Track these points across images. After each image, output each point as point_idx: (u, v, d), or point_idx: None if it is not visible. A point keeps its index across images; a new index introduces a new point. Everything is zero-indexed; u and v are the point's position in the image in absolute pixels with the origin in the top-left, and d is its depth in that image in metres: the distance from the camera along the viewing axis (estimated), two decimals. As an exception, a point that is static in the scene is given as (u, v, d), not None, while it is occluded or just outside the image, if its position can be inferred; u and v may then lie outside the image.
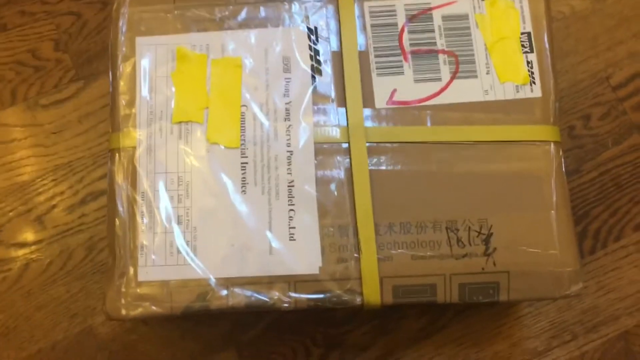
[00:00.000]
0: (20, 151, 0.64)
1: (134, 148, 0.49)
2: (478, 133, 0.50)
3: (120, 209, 0.49)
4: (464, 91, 0.51)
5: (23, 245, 0.62)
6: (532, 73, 0.51)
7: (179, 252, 0.48)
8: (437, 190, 0.49)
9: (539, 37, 0.52)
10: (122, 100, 0.50)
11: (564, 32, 0.66)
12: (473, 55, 0.51)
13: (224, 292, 0.47)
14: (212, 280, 0.47)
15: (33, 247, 0.62)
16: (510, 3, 0.52)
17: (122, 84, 0.51)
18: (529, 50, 0.51)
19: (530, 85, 0.51)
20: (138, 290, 0.47)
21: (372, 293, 0.48)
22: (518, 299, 0.48)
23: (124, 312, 0.47)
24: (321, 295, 0.48)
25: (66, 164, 0.63)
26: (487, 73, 0.51)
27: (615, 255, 0.61)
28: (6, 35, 0.66)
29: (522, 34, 0.52)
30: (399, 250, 0.48)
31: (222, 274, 0.48)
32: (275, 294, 0.48)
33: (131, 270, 0.48)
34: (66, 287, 0.61)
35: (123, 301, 0.47)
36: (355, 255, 0.48)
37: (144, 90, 0.50)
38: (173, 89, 0.50)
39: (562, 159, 0.50)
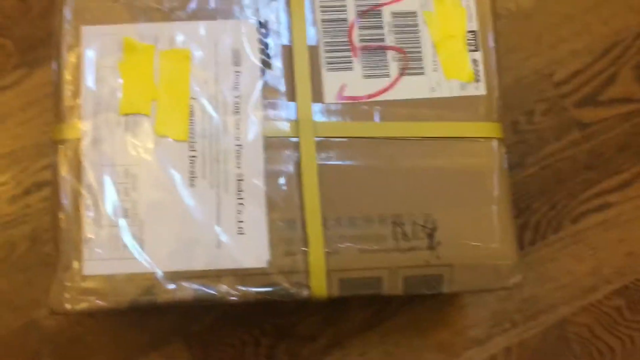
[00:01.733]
0: (-41, 139, 0.62)
1: (79, 140, 0.49)
2: (424, 129, 0.51)
3: (65, 202, 0.48)
4: (411, 88, 0.52)
5: (-37, 236, 0.60)
6: (477, 71, 0.52)
7: (125, 246, 0.47)
8: (384, 185, 0.50)
9: (484, 36, 0.53)
10: (67, 91, 0.49)
11: (509, 28, 0.68)
12: (420, 52, 0.52)
13: (172, 286, 0.47)
14: (160, 274, 0.47)
15: (-26, 238, 0.60)
16: (457, 1, 0.53)
17: (67, 74, 0.49)
18: (474, 49, 0.53)
19: (475, 82, 0.52)
20: (83, 284, 0.47)
21: (319, 286, 0.48)
22: (460, 290, 0.50)
23: (68, 306, 0.46)
24: (269, 289, 0.48)
25: (9, 154, 0.62)
26: (434, 70, 0.52)
27: (554, 246, 0.64)
28: (-56, 18, 0.64)
29: (468, 32, 0.53)
30: (346, 244, 0.49)
31: (169, 268, 0.47)
32: (223, 287, 0.48)
33: (75, 264, 0.47)
34: (8, 279, 0.59)
35: (67, 295, 0.46)
36: (303, 249, 0.49)
37: (89, 80, 0.49)
38: (120, 80, 0.50)
39: (505, 156, 0.52)
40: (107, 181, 0.48)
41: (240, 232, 0.48)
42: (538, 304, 0.63)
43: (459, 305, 0.62)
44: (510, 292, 0.63)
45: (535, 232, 0.64)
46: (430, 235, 0.50)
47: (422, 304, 0.62)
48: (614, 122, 0.66)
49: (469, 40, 0.53)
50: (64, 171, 0.48)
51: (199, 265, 0.48)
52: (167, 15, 0.51)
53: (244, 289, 0.48)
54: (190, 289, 0.47)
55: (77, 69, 0.50)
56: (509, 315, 0.62)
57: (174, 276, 0.47)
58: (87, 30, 0.50)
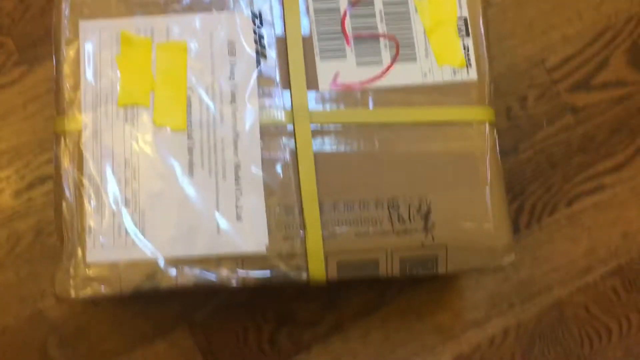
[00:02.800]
0: (-37, 136, 0.63)
1: (80, 132, 0.50)
2: (417, 114, 0.52)
3: (67, 192, 0.49)
4: (404, 74, 0.53)
5: (-31, 231, 0.61)
6: (468, 56, 0.53)
7: (127, 233, 0.49)
8: (379, 170, 0.51)
9: (474, 22, 0.54)
10: (67, 84, 0.50)
11: (501, 17, 0.69)
12: (412, 39, 0.53)
13: (173, 272, 0.48)
14: (161, 260, 0.48)
15: (-20, 233, 0.61)
16: (447, -11, 0.54)
17: (66, 68, 0.51)
18: (465, 35, 0.54)
19: (467, 68, 0.53)
20: (87, 272, 0.48)
21: (317, 269, 0.49)
22: (455, 270, 0.51)
23: (73, 293, 0.48)
24: (268, 273, 0.49)
25: (12, 149, 0.63)
26: (426, 57, 0.53)
27: (549, 228, 0.65)
28: (-55, 18, 0.65)
29: (458, 18, 0.54)
30: (343, 228, 0.50)
31: (171, 254, 0.49)
32: (224, 272, 0.49)
33: (79, 252, 0.48)
34: (14, 271, 0.61)
35: (72, 282, 0.48)
36: (301, 233, 0.50)
37: (88, 73, 0.51)
38: (118, 73, 0.51)
39: (497, 139, 0.53)
40: (108, 171, 0.49)
41: (239, 218, 0.49)
42: (534, 286, 0.64)
43: (457, 289, 0.63)
44: (507, 274, 0.64)
45: (531, 215, 0.65)
46: (425, 218, 0.51)
47: (421, 287, 0.63)
48: (606, 106, 0.67)
49: (459, 26, 0.54)
50: (66, 163, 0.49)
51: (199, 250, 0.49)
52: (163, 9, 0.52)
53: (243, 273, 0.49)
54: (191, 274, 0.49)
55: (76, 63, 0.51)
56: (506, 297, 0.63)
57: (176, 262, 0.48)
58: (84, 25, 0.51)
